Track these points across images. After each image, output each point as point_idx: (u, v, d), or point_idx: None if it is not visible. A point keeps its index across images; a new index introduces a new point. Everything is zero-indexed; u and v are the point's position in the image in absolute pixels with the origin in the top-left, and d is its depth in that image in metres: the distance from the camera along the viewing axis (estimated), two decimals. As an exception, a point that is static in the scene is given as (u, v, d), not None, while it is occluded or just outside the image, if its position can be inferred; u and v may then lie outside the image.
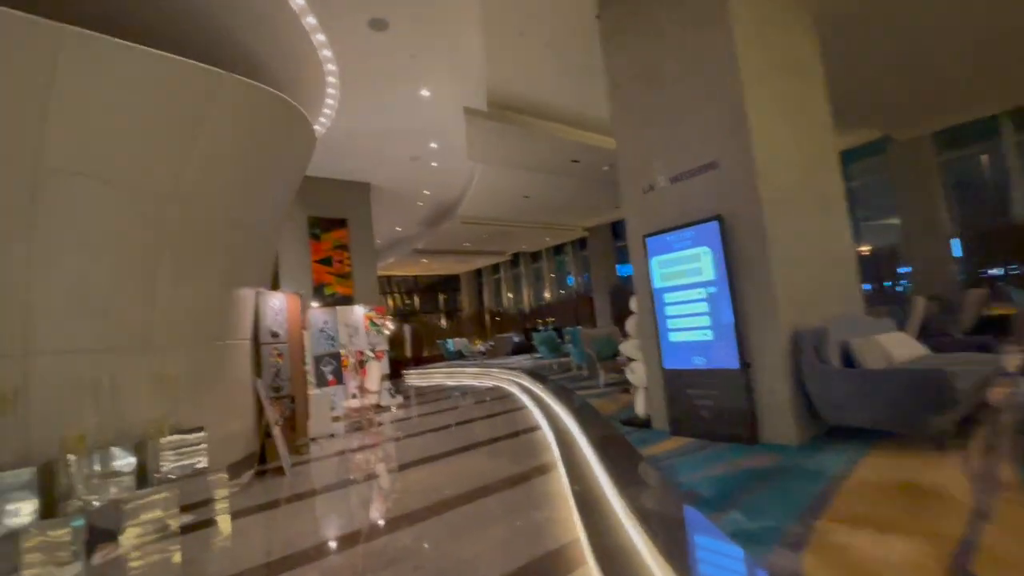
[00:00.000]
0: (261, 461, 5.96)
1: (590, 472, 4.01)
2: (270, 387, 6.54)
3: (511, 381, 11.22)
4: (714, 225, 4.07)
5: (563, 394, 7.65)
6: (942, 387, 3.14)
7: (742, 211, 3.98)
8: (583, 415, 5.81)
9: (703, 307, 4.15)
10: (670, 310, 4.42)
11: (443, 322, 24.55)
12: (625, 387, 7.55)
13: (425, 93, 7.76)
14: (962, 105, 9.08)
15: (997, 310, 8.74)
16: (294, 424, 6.82)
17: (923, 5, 5.88)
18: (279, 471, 5.61)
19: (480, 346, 15.89)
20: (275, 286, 8.82)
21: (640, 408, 4.98)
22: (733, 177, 4.04)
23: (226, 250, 5.36)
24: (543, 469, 4.59)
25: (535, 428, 6.51)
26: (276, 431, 5.87)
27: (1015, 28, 6.36)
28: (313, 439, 7.16)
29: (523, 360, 14.98)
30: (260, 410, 6.09)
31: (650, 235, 4.58)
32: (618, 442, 4.46)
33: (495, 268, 23.83)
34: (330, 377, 9.53)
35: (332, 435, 7.51)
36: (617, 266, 17.44)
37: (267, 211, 6.22)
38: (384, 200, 12.75)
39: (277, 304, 6.83)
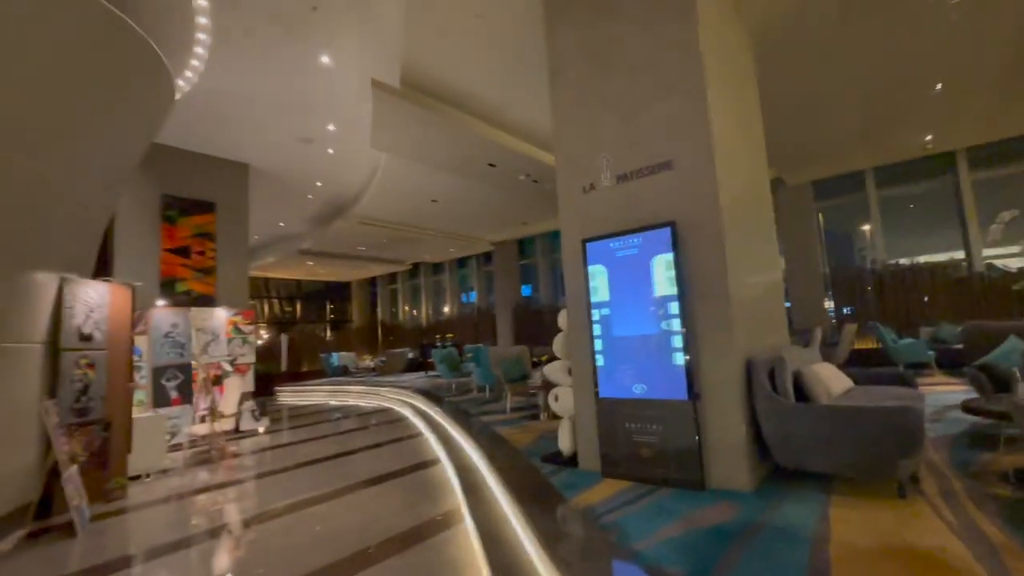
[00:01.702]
0: (42, 514, 4.21)
1: (510, 532, 3.14)
2: (71, 409, 4.77)
3: (404, 402, 10.00)
4: (666, 232, 3.52)
5: (465, 420, 6.72)
6: (914, 427, 2.81)
7: (699, 218, 3.48)
8: (492, 447, 4.94)
9: (653, 326, 3.55)
10: (612, 329, 3.77)
11: (328, 334, 22.23)
12: (534, 413, 6.84)
13: (326, 60, 6.54)
14: (839, 158, 10.01)
15: (860, 343, 9.63)
16: (106, 459, 5.06)
17: (820, 61, 6.13)
18: (68, 529, 3.96)
19: (370, 361, 14.32)
20: (103, 273, 6.79)
21: (565, 443, 4.25)
22: (690, 179, 3.54)
23: (8, 214, 3.70)
24: (445, 523, 3.62)
25: (432, 462, 5.50)
26: (70, 471, 4.20)
27: (896, 86, 6.96)
28: (136, 477, 5.41)
29: (418, 379, 13.74)
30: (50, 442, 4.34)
31: (590, 240, 3.93)
32: (540, 487, 3.66)
33: (392, 278, 22.22)
34: (174, 395, 7.58)
35: (166, 471, 5.78)
36: (523, 286, 17.02)
37: (88, 171, 4.57)
38: (266, 188, 10.94)
39: (94, 297, 5.08)
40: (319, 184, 11.11)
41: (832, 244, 11.64)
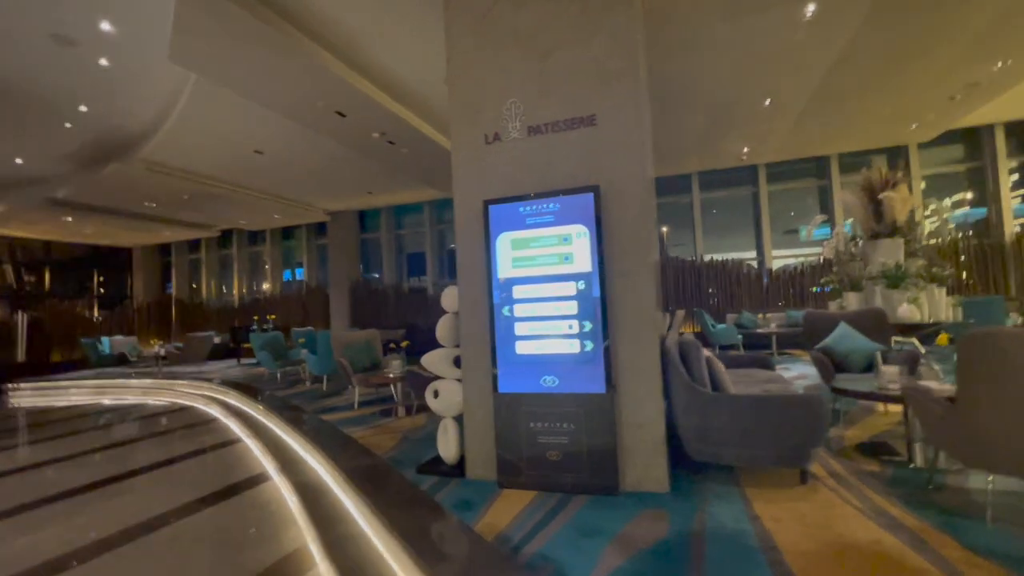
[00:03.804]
0: None
1: (399, 585, 2.30)
2: None
3: (211, 399, 7.98)
4: (589, 199, 2.99)
5: (301, 419, 5.46)
6: (825, 415, 2.78)
7: (625, 186, 3.02)
8: (345, 456, 3.93)
9: (570, 308, 3.00)
10: (520, 310, 3.12)
11: (95, 313, 17.28)
12: (387, 409, 5.90)
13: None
14: (675, 160, 10.98)
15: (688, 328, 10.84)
16: None
17: (689, 53, 6.36)
18: None
19: (160, 348, 11.30)
20: None
21: (448, 448, 3.48)
22: (617, 138, 3.06)
23: None
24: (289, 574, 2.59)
25: (259, 479, 4.21)
26: None
27: (738, 96, 7.71)
28: None
29: (228, 368, 11.38)
30: None
31: (495, 202, 3.20)
32: (424, 509, 2.86)
33: (193, 245, 18.18)
34: None
35: None
36: (360, 264, 15.40)
37: None
38: (-9, 102, 7.59)
39: None
40: (84, 109, 8.11)
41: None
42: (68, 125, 8.65)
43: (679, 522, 2.52)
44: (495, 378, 3.16)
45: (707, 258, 11.52)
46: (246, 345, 12.99)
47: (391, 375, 5.66)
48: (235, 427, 6.27)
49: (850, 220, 9.02)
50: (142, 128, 8.77)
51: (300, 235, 16.38)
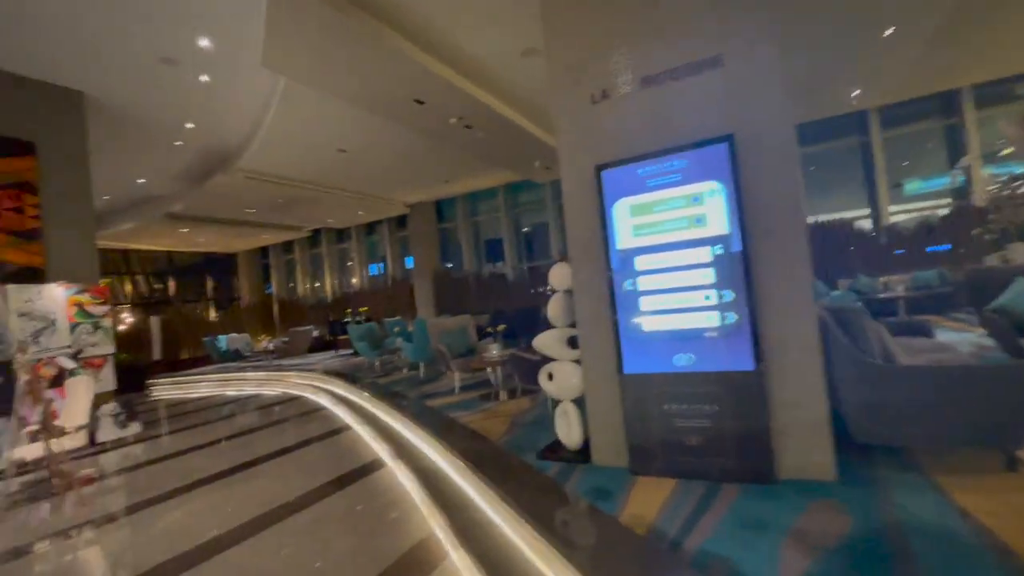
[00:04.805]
0: None
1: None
2: None
3: (318, 388, 8.46)
4: (721, 150, 2.63)
5: (406, 406, 5.56)
6: (1040, 387, 2.26)
7: (763, 131, 2.63)
8: (458, 441, 3.89)
9: (706, 277, 2.68)
10: (644, 282, 2.84)
11: (212, 314, 19.11)
12: (487, 393, 5.86)
13: (192, -68, 4.67)
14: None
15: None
16: None
17: None
18: None
19: (267, 343, 12.24)
20: None
21: (572, 433, 3.31)
22: (748, 80, 2.66)
23: None
24: (421, 564, 2.54)
25: (374, 465, 4.32)
26: None
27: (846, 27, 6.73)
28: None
29: (328, 359, 12.06)
30: None
31: (608, 166, 2.93)
32: (556, 496, 2.71)
33: (287, 247, 19.51)
34: (-12, 405, 5.43)
35: (-29, 519, 3.93)
36: (439, 253, 15.68)
37: None
38: (115, 129, 8.39)
39: None
40: (190, 126, 8.77)
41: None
42: (179, 143, 9.42)
43: (862, 516, 2.16)
44: (620, 358, 2.92)
45: (809, 220, 10.41)
46: (342, 337, 13.74)
47: (492, 359, 5.60)
48: (343, 415, 6.56)
49: (1007, 154, 7.58)
50: (239, 139, 9.35)
51: (382, 230, 16.98)
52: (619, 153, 2.94)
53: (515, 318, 10.57)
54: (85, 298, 6.59)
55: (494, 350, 5.76)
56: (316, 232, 18.01)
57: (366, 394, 6.65)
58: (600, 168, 2.94)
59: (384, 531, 2.98)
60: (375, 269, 17.72)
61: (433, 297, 14.93)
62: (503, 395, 5.59)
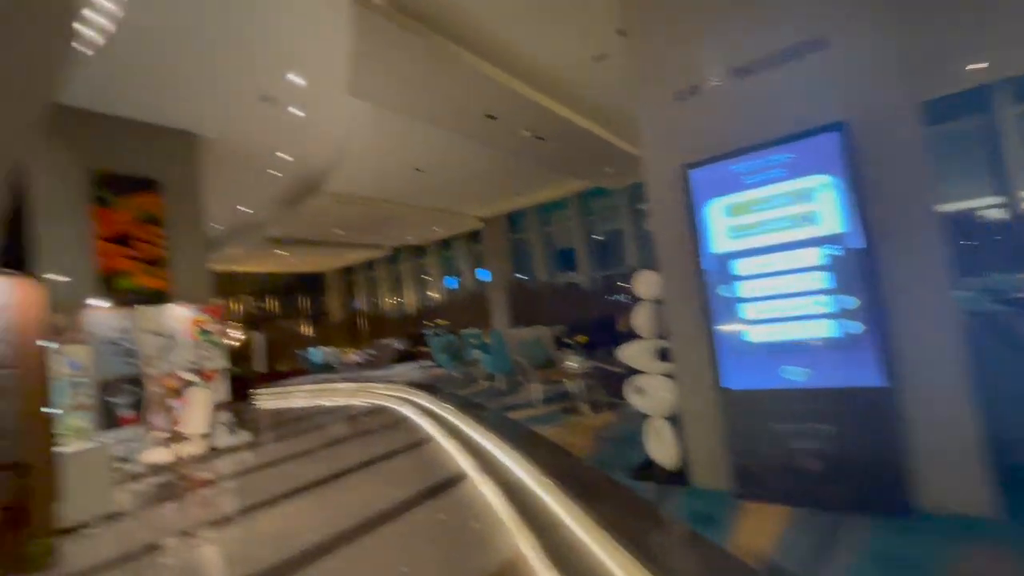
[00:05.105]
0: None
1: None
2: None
3: (402, 399, 8.76)
4: (831, 140, 2.36)
5: (487, 418, 5.57)
6: None
7: (882, 114, 2.33)
8: (544, 456, 3.80)
9: (816, 281, 2.41)
10: (745, 289, 2.62)
11: (305, 329, 20.60)
12: (567, 405, 5.72)
13: (284, -22, 5.09)
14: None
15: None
16: (25, 513, 3.73)
17: None
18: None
19: (355, 356, 12.98)
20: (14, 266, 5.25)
21: (666, 452, 3.11)
22: (859, 61, 2.38)
23: None
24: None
25: (457, 478, 4.33)
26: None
27: None
28: (71, 530, 4.08)
29: (410, 370, 12.49)
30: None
31: (698, 165, 2.74)
32: (652, 519, 2.53)
33: (369, 265, 20.64)
34: (126, 413, 6.17)
35: (113, 515, 4.44)
36: (513, 264, 15.81)
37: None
38: (222, 165, 9.32)
39: (-15, 297, 3.67)
40: (286, 157, 9.55)
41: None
42: (275, 173, 10.28)
43: (1040, 563, 1.79)
44: (718, 372, 2.70)
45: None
46: (424, 349, 14.21)
47: (573, 370, 5.47)
48: (427, 426, 6.71)
49: None
50: (326, 164, 10.03)
51: (458, 244, 17.45)
52: (709, 150, 2.74)
53: (590, 328, 10.36)
54: (204, 318, 7.32)
55: (574, 362, 5.63)
56: (396, 250, 18.88)
57: (448, 406, 6.77)
58: (688, 167, 2.77)
59: (472, 545, 2.96)
60: (452, 282, 18.23)
61: (508, 308, 15.04)
62: (585, 408, 5.43)
